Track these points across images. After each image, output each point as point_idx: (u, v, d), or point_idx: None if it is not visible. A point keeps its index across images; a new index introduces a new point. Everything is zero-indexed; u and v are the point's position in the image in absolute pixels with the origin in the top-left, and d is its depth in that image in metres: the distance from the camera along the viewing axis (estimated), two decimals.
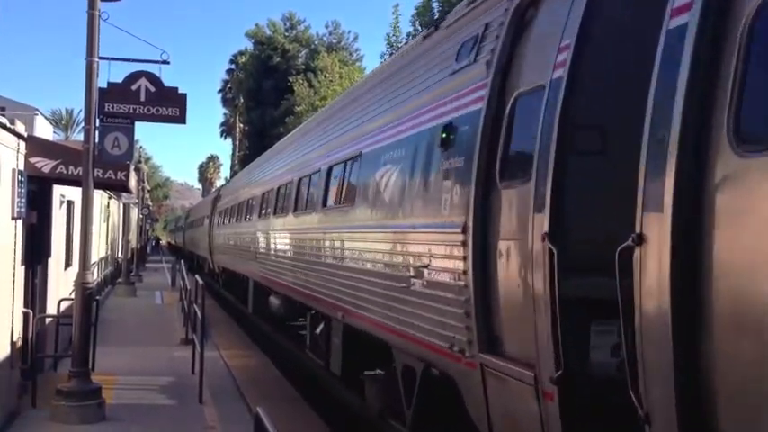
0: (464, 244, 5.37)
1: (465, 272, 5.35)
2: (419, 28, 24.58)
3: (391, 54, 23.21)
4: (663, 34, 3.61)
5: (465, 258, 5.35)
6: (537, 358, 4.43)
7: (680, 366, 3.24)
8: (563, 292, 4.21)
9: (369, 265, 7.90)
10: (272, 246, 14.36)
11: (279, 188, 14.32)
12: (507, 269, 4.96)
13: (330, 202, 10.06)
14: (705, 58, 3.29)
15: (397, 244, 7.04)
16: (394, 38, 27.07)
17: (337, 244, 9.42)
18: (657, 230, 3.37)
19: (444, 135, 6.00)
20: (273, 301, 14.50)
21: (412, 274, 6.51)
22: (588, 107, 4.53)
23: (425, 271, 6.21)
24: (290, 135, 17.85)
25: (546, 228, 4.34)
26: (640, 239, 3.48)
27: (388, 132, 7.82)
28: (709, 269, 3.16)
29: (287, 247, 12.83)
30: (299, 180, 12.26)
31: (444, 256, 5.82)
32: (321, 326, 10.49)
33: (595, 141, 4.61)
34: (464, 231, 5.36)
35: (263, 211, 16.02)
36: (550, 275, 4.25)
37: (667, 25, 3.59)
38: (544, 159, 4.48)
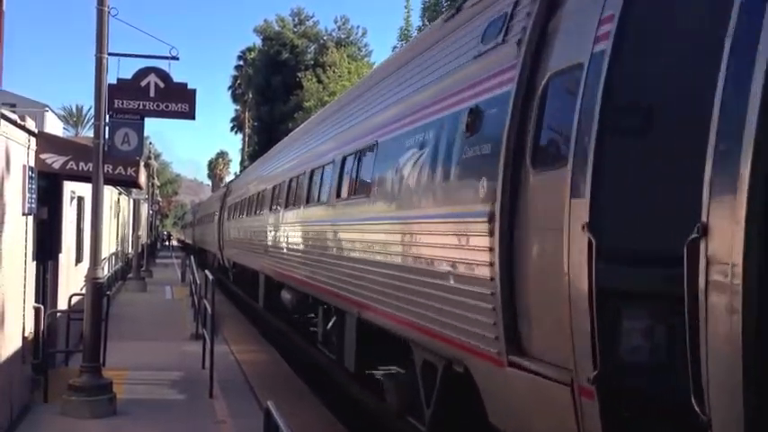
0: (491, 233, 5.11)
1: (491, 263, 5.06)
2: (427, 23, 24.62)
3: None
4: (735, 9, 3.18)
5: (491, 249, 5.06)
6: (573, 356, 4.12)
7: (751, 373, 2.92)
8: (602, 285, 3.89)
9: (386, 258, 7.57)
10: None
11: None
12: (538, 261, 4.66)
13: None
14: None
15: (418, 235, 6.76)
16: (406, 31, 27.20)
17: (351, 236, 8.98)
18: (729, 220, 2.99)
19: (470, 120, 5.72)
20: None
21: (433, 266, 6.24)
22: (633, 84, 4.16)
23: (447, 263, 5.93)
24: None
25: (586, 217, 3.99)
26: (705, 230, 3.10)
27: (404, 121, 7.50)
28: None
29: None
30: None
31: (470, 248, 5.52)
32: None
33: (641, 122, 4.18)
34: (490, 221, 5.12)
35: None
36: (588, 267, 3.92)
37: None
38: (584, 142, 4.14)
